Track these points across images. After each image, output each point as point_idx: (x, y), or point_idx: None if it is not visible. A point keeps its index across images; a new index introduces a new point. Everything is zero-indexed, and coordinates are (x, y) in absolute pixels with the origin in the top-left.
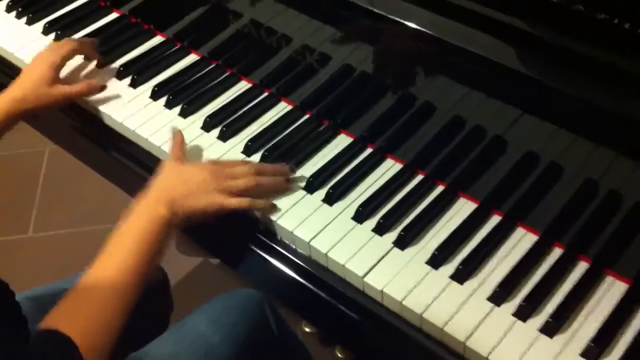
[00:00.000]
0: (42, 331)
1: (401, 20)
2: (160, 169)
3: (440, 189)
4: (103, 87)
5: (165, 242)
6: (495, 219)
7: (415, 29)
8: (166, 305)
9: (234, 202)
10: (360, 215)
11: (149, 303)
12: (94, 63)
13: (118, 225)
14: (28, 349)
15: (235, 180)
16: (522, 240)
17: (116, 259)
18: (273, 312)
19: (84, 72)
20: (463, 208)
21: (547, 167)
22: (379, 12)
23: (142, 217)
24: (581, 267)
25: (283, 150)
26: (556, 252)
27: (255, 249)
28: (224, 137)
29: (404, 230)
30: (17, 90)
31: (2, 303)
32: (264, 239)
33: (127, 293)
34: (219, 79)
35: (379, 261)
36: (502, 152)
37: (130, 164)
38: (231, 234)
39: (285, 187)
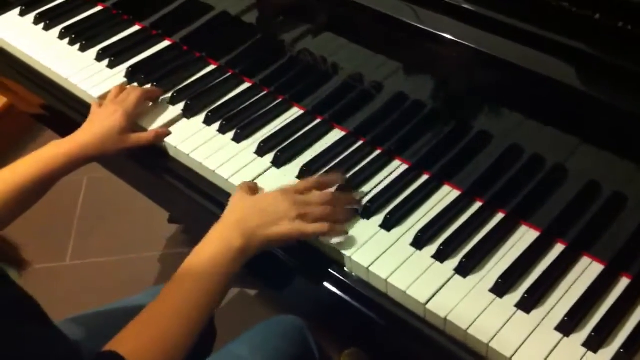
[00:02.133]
0: (101, 352)
1: (463, 42)
2: (232, 200)
3: (500, 216)
4: (169, 133)
5: (237, 273)
6: (559, 248)
7: (478, 50)
8: (210, 333)
9: (314, 227)
10: (420, 242)
11: None
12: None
13: (192, 252)
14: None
15: (312, 207)
16: (588, 269)
17: (186, 286)
18: (314, 339)
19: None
20: (525, 236)
21: (611, 196)
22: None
23: (215, 246)
24: None
25: None
26: (624, 283)
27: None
28: (277, 162)
29: (465, 257)
30: (88, 137)
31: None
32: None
33: (193, 321)
34: (271, 105)
35: (440, 288)
36: (563, 180)
37: (180, 185)
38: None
39: (351, 218)
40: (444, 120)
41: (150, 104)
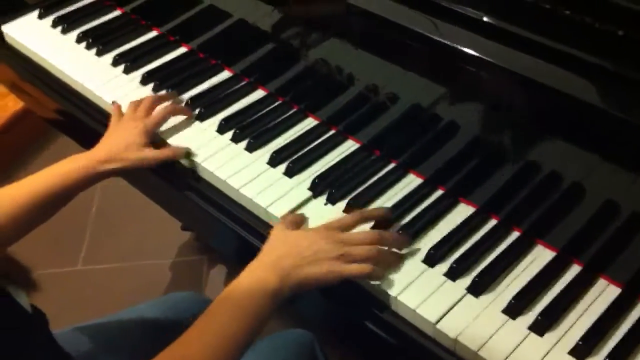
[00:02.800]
0: None
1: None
2: (272, 235)
3: (516, 234)
4: (188, 150)
5: (270, 313)
6: (575, 269)
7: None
8: None
9: (354, 268)
10: (432, 259)
11: None
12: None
13: (225, 290)
14: None
15: (356, 248)
16: (605, 292)
17: (217, 325)
18: (323, 353)
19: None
20: (541, 255)
21: (630, 217)
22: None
23: (249, 285)
24: None
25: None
26: None
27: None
28: (291, 172)
29: (478, 276)
30: (105, 153)
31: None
32: None
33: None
34: (285, 115)
35: (451, 307)
36: (581, 199)
37: (190, 194)
38: None
39: (398, 262)
40: (460, 134)
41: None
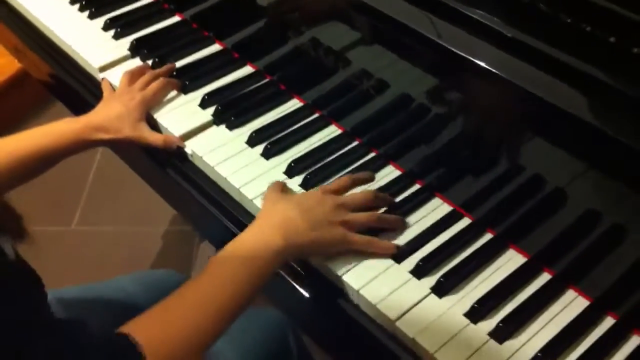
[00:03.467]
0: (116, 334)
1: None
2: (270, 199)
3: (488, 236)
4: (180, 145)
5: (272, 272)
6: (544, 277)
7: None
8: None
9: (358, 239)
10: (399, 255)
11: None
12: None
13: (228, 245)
14: (93, 343)
15: (357, 215)
16: (573, 304)
17: (219, 279)
18: (297, 339)
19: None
20: (511, 260)
21: (610, 229)
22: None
23: (255, 242)
24: None
25: None
26: (608, 322)
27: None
28: (268, 154)
29: (444, 276)
30: (100, 120)
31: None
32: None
33: (220, 315)
34: (270, 95)
35: (413, 306)
36: (562, 206)
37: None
38: None
39: (399, 224)
40: (445, 130)
41: (171, 95)
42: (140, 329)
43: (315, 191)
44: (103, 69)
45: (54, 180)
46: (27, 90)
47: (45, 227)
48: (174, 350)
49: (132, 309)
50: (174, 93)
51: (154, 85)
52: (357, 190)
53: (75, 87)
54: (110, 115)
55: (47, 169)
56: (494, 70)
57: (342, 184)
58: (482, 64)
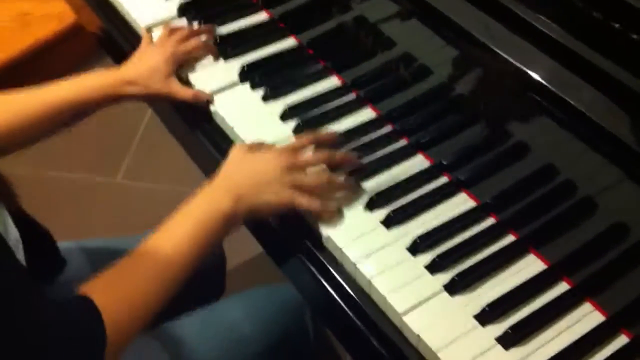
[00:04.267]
0: (76, 295)
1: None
2: (227, 160)
3: (510, 238)
4: (209, 100)
5: (222, 234)
6: (562, 287)
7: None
8: (218, 287)
9: (304, 202)
10: (416, 248)
11: (201, 280)
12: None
13: (179, 207)
14: (55, 306)
15: (307, 176)
16: (587, 317)
17: (169, 242)
18: (314, 318)
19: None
20: (530, 266)
21: (637, 244)
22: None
23: (204, 205)
24: None
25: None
26: (622, 340)
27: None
28: (299, 130)
29: (458, 275)
30: (131, 73)
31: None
32: (312, 248)
33: (171, 277)
34: (310, 70)
35: (423, 302)
36: (590, 216)
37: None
38: (282, 233)
39: (352, 191)
40: (476, 123)
41: (206, 59)
42: (94, 292)
43: (273, 151)
44: (150, 27)
45: (104, 131)
46: (81, 42)
47: (91, 176)
48: (127, 311)
49: None
50: (212, 58)
51: (190, 42)
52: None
53: (122, 44)
54: (139, 69)
55: (78, 120)
56: (548, 85)
57: (301, 142)
58: (537, 77)
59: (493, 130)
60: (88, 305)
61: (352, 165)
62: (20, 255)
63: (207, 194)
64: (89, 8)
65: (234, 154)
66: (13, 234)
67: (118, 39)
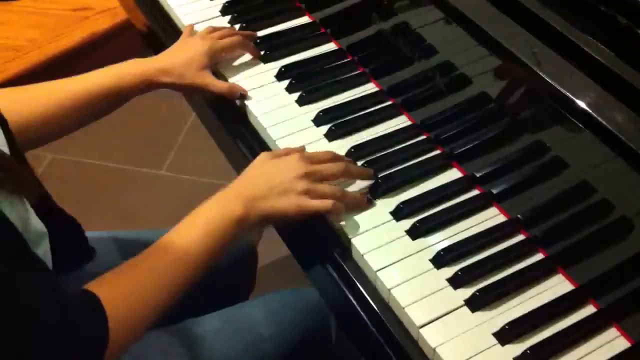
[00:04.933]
0: (82, 290)
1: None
2: (254, 160)
3: (538, 257)
4: (244, 94)
5: (233, 238)
6: (589, 309)
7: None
8: (247, 283)
9: (315, 204)
10: (440, 260)
11: (231, 275)
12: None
13: (191, 213)
14: (59, 301)
15: (322, 185)
16: (613, 343)
17: (179, 243)
18: (336, 332)
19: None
20: (557, 286)
21: None
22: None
23: (216, 208)
24: None
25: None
26: None
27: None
28: (332, 135)
29: (480, 290)
30: (166, 63)
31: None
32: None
33: (179, 278)
34: (347, 75)
35: (442, 316)
36: (624, 238)
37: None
38: (307, 238)
39: (363, 203)
40: (512, 136)
41: (245, 57)
42: (100, 289)
43: (292, 158)
44: (192, 26)
45: (152, 123)
46: (130, 39)
47: (138, 168)
48: (129, 308)
49: None
50: (251, 58)
51: (228, 39)
52: None
53: (164, 41)
54: (175, 60)
55: (114, 109)
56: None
57: (323, 156)
58: (583, 105)
59: (529, 146)
60: (92, 302)
61: (368, 180)
62: (44, 247)
63: (220, 198)
64: (136, 5)
65: (257, 159)
66: (35, 227)
67: (161, 37)
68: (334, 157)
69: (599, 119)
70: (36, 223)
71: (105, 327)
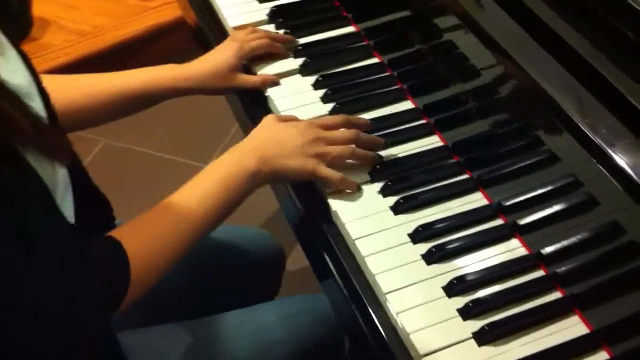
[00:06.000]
0: (105, 236)
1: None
2: (258, 126)
3: (556, 295)
4: (276, 82)
5: (246, 192)
6: (601, 356)
7: None
8: (273, 285)
9: (326, 172)
10: (452, 289)
11: (259, 276)
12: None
13: (205, 169)
14: (84, 244)
15: (331, 147)
16: None
17: (195, 193)
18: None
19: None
20: (571, 328)
21: None
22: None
23: (230, 163)
24: None
25: None
26: None
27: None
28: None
29: (490, 325)
30: (195, 71)
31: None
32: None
33: (189, 235)
34: (384, 90)
35: (446, 347)
36: None
37: None
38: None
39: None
40: (545, 169)
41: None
42: (121, 236)
43: (302, 123)
44: (237, 29)
45: (205, 117)
46: (183, 35)
47: (184, 160)
48: (147, 253)
49: (212, 252)
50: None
51: (258, 41)
52: None
53: (211, 40)
54: (203, 67)
55: (144, 108)
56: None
57: (333, 120)
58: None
59: (560, 182)
60: (114, 245)
61: (378, 148)
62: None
63: (233, 152)
64: (187, 3)
65: (265, 120)
66: (61, 194)
67: (209, 36)
68: (344, 121)
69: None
70: (63, 190)
71: (127, 267)
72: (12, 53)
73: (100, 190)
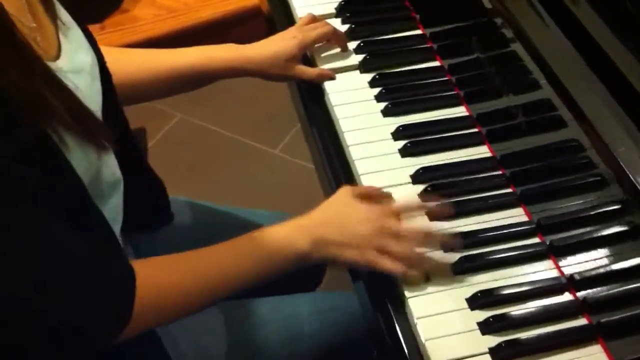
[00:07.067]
0: (125, 263)
1: None
2: (336, 193)
3: (582, 321)
4: (333, 77)
5: (289, 270)
6: None
7: None
8: (316, 275)
9: (387, 265)
10: (475, 301)
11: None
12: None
13: (259, 230)
14: (99, 263)
15: (397, 244)
16: None
17: (232, 258)
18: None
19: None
20: (591, 356)
21: None
22: None
23: (283, 236)
24: None
25: None
26: None
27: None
28: (406, 152)
29: (507, 343)
30: (256, 54)
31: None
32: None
33: (216, 291)
34: (439, 94)
35: (462, 358)
36: None
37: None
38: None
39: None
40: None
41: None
42: (144, 270)
43: (374, 208)
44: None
45: (281, 103)
46: (258, 24)
47: (254, 143)
48: (159, 299)
49: None
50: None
51: (320, 30)
52: None
53: (280, 30)
54: (264, 51)
55: (201, 86)
56: None
57: (410, 206)
58: None
59: (606, 207)
60: (129, 275)
61: (452, 248)
62: (116, 198)
63: (289, 227)
64: None
65: (340, 194)
66: (108, 178)
67: (278, 24)
68: (424, 209)
69: None
70: (111, 174)
71: (132, 301)
72: (76, 32)
73: (156, 175)
